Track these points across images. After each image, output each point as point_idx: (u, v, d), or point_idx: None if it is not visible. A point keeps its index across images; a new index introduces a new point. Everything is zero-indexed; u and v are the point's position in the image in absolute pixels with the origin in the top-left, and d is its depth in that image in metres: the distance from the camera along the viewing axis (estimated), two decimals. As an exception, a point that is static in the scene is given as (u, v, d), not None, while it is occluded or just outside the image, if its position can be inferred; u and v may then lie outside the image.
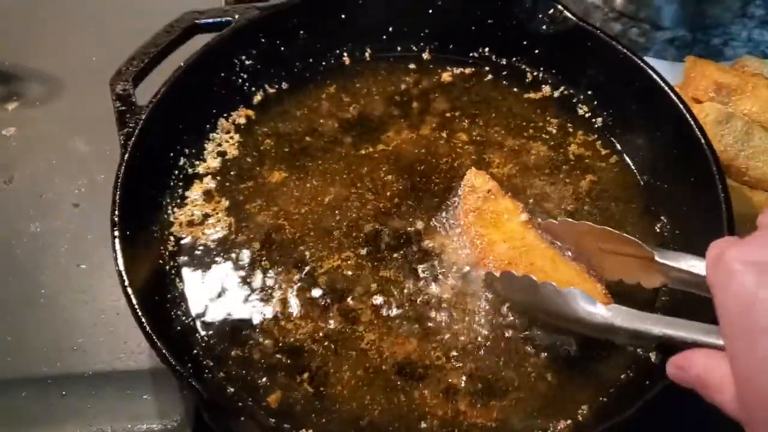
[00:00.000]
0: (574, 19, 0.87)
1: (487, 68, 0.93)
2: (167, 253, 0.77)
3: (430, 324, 0.73)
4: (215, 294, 0.75)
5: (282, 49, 0.91)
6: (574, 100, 0.90)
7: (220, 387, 0.69)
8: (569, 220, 0.74)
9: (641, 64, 0.83)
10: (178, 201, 0.82)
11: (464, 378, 0.70)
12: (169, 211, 0.80)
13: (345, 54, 0.94)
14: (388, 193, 0.83)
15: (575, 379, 0.70)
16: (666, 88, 0.80)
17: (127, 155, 0.75)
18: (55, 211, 0.89)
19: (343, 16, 0.92)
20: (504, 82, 0.93)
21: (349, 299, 0.74)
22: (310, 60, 0.93)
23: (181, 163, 0.84)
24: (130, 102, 0.80)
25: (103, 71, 0.84)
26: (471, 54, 0.94)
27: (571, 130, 0.89)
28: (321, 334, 0.72)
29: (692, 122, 0.78)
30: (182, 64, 0.82)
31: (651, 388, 0.62)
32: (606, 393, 0.68)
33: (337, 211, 0.81)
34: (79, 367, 0.77)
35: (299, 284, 0.76)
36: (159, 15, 0.87)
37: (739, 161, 0.90)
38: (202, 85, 0.85)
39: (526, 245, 0.74)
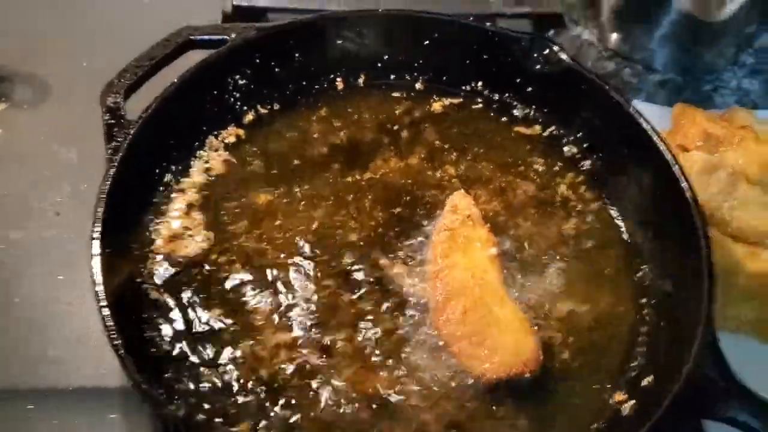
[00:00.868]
0: (569, 60, 0.87)
1: (479, 102, 0.94)
2: (146, 272, 0.76)
3: (406, 360, 0.73)
4: (192, 317, 0.74)
5: (276, 70, 0.90)
6: (563, 141, 0.91)
7: (191, 413, 0.68)
8: None
9: (632, 111, 0.83)
10: (161, 217, 0.81)
11: (435, 418, 0.69)
12: (151, 228, 0.80)
13: (339, 78, 0.94)
14: (372, 223, 0.83)
15: (547, 425, 0.70)
16: (655, 138, 0.81)
17: (112, 170, 0.75)
18: (36, 218, 0.88)
19: (339, 41, 0.92)
20: (495, 118, 0.93)
21: (325, 330, 0.74)
22: (304, 82, 0.93)
23: (167, 179, 0.83)
24: (120, 116, 0.79)
25: (94, 80, 0.83)
26: (464, 87, 0.94)
27: (558, 170, 0.89)
28: (295, 364, 0.72)
29: (679, 173, 0.78)
30: (175, 80, 0.82)
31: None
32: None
33: (320, 239, 0.81)
34: (49, 381, 0.76)
35: (277, 311, 0.75)
36: (155, 28, 0.87)
37: (723, 212, 0.91)
38: (194, 101, 0.85)
39: (483, 278, 0.75)
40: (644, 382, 0.70)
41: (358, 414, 0.69)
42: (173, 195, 0.83)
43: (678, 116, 0.99)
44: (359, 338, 0.74)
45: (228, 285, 0.77)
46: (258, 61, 0.89)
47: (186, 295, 0.76)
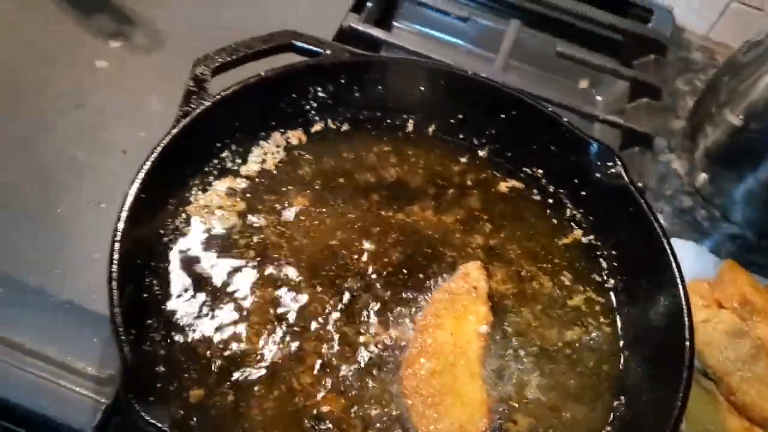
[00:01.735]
0: (626, 180, 0.88)
1: (532, 188, 0.96)
2: (171, 227, 0.83)
3: (365, 392, 0.75)
4: (191, 281, 0.80)
5: (356, 94, 0.96)
6: (597, 252, 0.91)
7: (152, 362, 0.73)
8: None
9: (667, 248, 0.83)
10: (205, 186, 0.87)
11: (364, 456, 0.72)
12: (192, 192, 0.86)
13: (410, 121, 0.98)
14: (386, 259, 0.86)
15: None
16: (678, 281, 0.80)
17: (176, 130, 0.82)
18: (104, 149, 0.96)
19: (422, 88, 0.96)
20: (542, 208, 0.94)
21: (304, 338, 0.78)
22: (378, 113, 0.98)
23: (224, 155, 0.90)
24: (203, 86, 0.86)
25: (204, 49, 0.90)
26: (524, 169, 0.97)
27: (582, 278, 0.89)
28: (265, 357, 0.76)
29: (687, 324, 0.77)
30: (262, 73, 0.89)
31: None
32: None
33: (332, 255, 0.85)
34: (53, 288, 0.83)
35: (270, 303, 0.80)
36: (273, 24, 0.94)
37: (733, 380, 0.89)
38: (272, 97, 0.91)
39: (464, 349, 0.77)
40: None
41: (300, 425, 0.72)
42: (224, 171, 0.89)
43: (724, 271, 0.97)
44: (333, 358, 0.77)
45: (235, 263, 0.82)
46: (342, 81, 0.94)
47: (194, 259, 0.81)
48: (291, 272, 0.83)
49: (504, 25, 1.30)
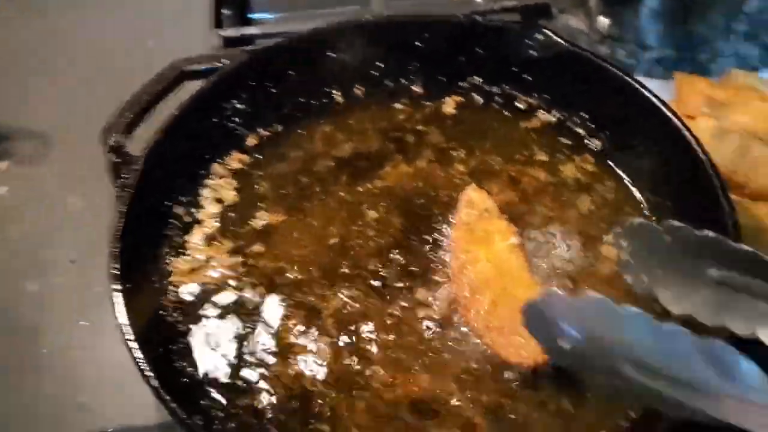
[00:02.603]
0: (565, 43, 0.87)
1: (479, 97, 0.93)
2: (169, 304, 0.76)
3: (441, 358, 0.71)
4: (221, 343, 0.73)
5: (273, 91, 0.90)
6: (569, 124, 0.90)
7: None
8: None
9: (634, 83, 0.82)
10: (178, 249, 0.80)
11: (480, 412, 0.68)
12: (168, 261, 0.79)
13: (336, 92, 0.94)
14: (390, 229, 0.82)
15: (590, 404, 0.68)
16: (661, 106, 0.80)
17: (123, 207, 0.74)
18: (52, 268, 0.87)
19: (331, 54, 0.91)
20: (498, 110, 0.92)
21: (357, 339, 0.73)
22: (302, 100, 0.92)
23: (179, 211, 0.83)
24: (124, 153, 0.79)
25: (93, 124, 0.83)
26: (461, 83, 0.94)
27: (568, 153, 0.88)
28: (332, 379, 0.70)
29: (691, 137, 0.77)
30: (174, 111, 0.82)
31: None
32: (625, 416, 0.66)
33: (339, 251, 0.80)
34: (85, 426, 0.75)
35: (306, 327, 0.74)
36: (146, 65, 0.87)
37: (739, 175, 0.90)
38: (195, 131, 0.85)
39: (508, 268, 0.74)
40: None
41: (401, 418, 0.68)
42: (188, 225, 0.82)
43: (679, 86, 0.98)
44: (394, 342, 0.72)
45: (251, 307, 0.76)
46: (253, 83, 0.88)
47: (210, 323, 0.75)
48: (308, 289, 0.77)
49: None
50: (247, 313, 0.75)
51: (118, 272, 0.70)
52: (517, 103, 0.92)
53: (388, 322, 0.74)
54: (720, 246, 0.61)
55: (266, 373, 0.71)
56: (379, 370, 0.71)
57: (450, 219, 0.82)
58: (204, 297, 0.77)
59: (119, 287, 0.69)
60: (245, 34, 1.10)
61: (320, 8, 1.22)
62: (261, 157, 0.89)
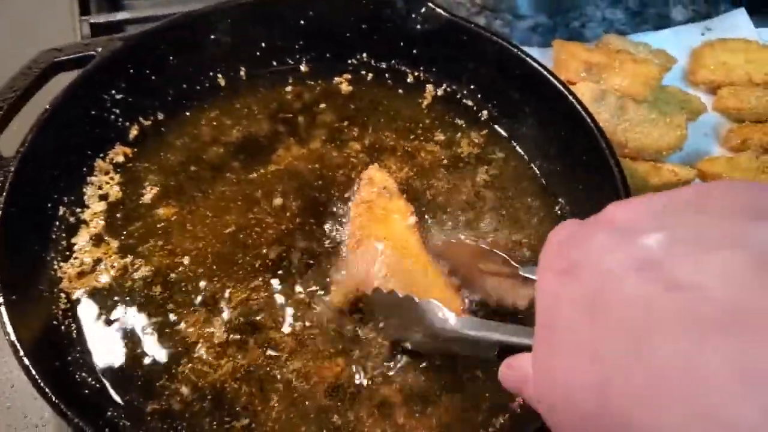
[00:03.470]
0: (447, 15, 0.87)
1: (368, 74, 0.92)
2: (60, 312, 0.71)
3: (353, 340, 0.71)
4: (120, 347, 0.70)
5: (153, 78, 0.86)
6: (458, 96, 0.91)
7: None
8: (445, 239, 0.77)
9: (517, 52, 0.84)
10: (65, 253, 0.75)
11: (396, 390, 0.68)
12: (56, 266, 0.74)
13: (219, 75, 0.90)
14: (288, 214, 0.80)
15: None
16: (545, 73, 0.82)
17: (0, 213, 0.69)
18: None
19: (211, 36, 0.88)
20: (387, 86, 0.92)
21: (265, 330, 0.71)
22: (184, 86, 0.88)
23: (62, 212, 0.77)
24: (-7, 154, 0.73)
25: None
26: (349, 61, 0.93)
27: (459, 126, 0.89)
28: (242, 371, 0.69)
29: (575, 102, 0.79)
30: (47, 106, 0.76)
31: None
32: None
33: (237, 240, 0.77)
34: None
35: (210, 322, 0.72)
36: (13, 59, 0.80)
37: (618, 135, 0.94)
38: (72, 126, 0.79)
39: (405, 248, 0.74)
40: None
41: (318, 405, 0.67)
42: (72, 227, 0.77)
43: (558, 52, 1.01)
44: (303, 329, 0.71)
45: (149, 307, 0.72)
46: (130, 72, 0.83)
47: (107, 327, 0.71)
48: (208, 283, 0.74)
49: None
50: (144, 313, 0.72)
51: (2, 284, 0.65)
52: (406, 78, 0.92)
53: (295, 309, 0.73)
54: None
55: (172, 374, 0.68)
56: (290, 359, 0.70)
57: (349, 198, 0.81)
58: (97, 301, 0.72)
59: (4, 301, 0.64)
60: (115, 20, 1.04)
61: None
62: (146, 148, 0.84)
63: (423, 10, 0.88)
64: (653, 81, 0.95)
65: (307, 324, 0.72)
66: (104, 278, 0.74)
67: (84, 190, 0.80)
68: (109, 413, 0.65)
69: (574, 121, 0.79)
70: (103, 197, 0.80)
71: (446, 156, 0.86)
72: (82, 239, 0.76)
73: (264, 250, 0.77)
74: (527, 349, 0.46)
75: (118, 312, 0.72)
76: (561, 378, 0.38)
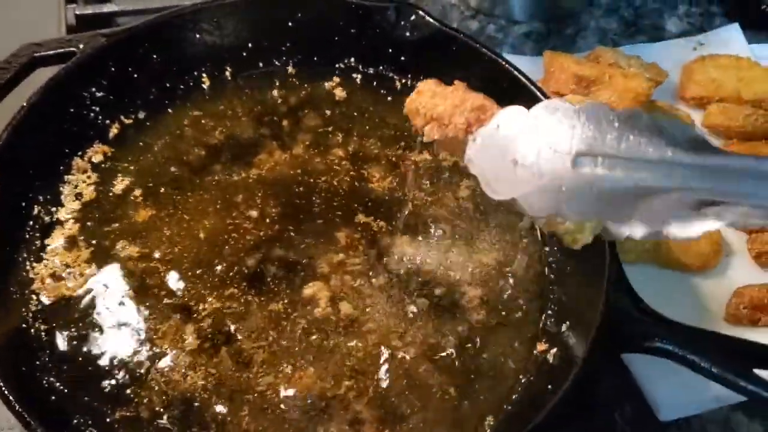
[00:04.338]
0: (436, 23, 0.86)
1: (355, 78, 0.91)
2: (30, 315, 0.70)
3: (326, 354, 0.70)
4: (90, 353, 0.69)
5: (135, 76, 0.84)
6: (443, 104, 0.90)
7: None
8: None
9: (505, 64, 0.83)
10: (38, 254, 0.74)
11: (368, 405, 0.68)
12: (28, 267, 0.73)
13: (204, 75, 0.89)
14: (267, 220, 0.79)
15: (477, 390, 0.69)
16: (532, 87, 0.81)
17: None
18: None
19: (196, 35, 0.86)
20: (374, 92, 0.91)
21: (238, 340, 0.70)
22: (167, 85, 0.87)
23: (36, 212, 0.76)
24: (-32, 151, 0.71)
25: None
26: (337, 65, 0.92)
27: (444, 135, 0.88)
28: (213, 382, 0.68)
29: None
30: (25, 103, 0.75)
31: (555, 392, 0.63)
32: (509, 401, 0.69)
33: (214, 246, 0.77)
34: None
35: (182, 330, 0.71)
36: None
37: (605, 149, 0.93)
38: (50, 123, 0.78)
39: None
40: (563, 329, 0.71)
41: (288, 419, 0.66)
42: (47, 227, 0.76)
43: (548, 64, 1.01)
44: (276, 341, 0.71)
45: (122, 312, 0.72)
46: (113, 69, 0.82)
47: (78, 332, 0.70)
48: (182, 289, 0.73)
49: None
50: (116, 319, 0.71)
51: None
52: (394, 85, 0.91)
53: (269, 319, 0.72)
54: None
55: (141, 382, 0.67)
56: (262, 370, 0.69)
57: (328, 206, 0.80)
58: (69, 304, 0.71)
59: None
60: (103, 12, 1.02)
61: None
62: (125, 147, 0.83)
63: (413, 17, 0.87)
64: (643, 97, 0.95)
65: (281, 336, 0.71)
66: (77, 281, 0.73)
67: (60, 189, 0.79)
68: (76, 420, 0.65)
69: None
70: (80, 196, 0.79)
71: (429, 166, 0.85)
72: (56, 240, 0.75)
73: (241, 257, 0.76)
74: None
75: (90, 316, 0.71)
76: None
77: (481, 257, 0.78)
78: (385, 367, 0.70)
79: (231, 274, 0.75)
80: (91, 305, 0.72)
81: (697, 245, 0.87)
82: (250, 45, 0.89)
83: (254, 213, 0.79)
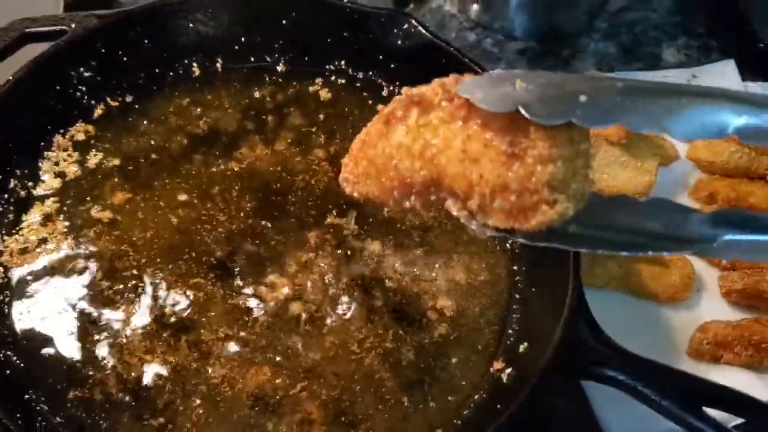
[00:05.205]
0: (428, 34, 0.87)
1: (343, 81, 0.92)
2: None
3: (283, 351, 0.71)
4: (51, 330, 0.70)
5: (125, 59, 0.85)
6: (430, 114, 0.90)
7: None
8: None
9: (493, 81, 0.83)
10: (10, 228, 0.75)
11: (320, 407, 0.68)
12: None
13: (194, 64, 0.89)
14: (242, 214, 0.80)
15: (430, 401, 0.70)
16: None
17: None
18: None
19: (190, 24, 0.87)
20: (361, 97, 0.91)
21: (198, 330, 0.71)
22: (156, 70, 0.88)
23: (12, 185, 0.77)
24: (-50, 120, 0.72)
25: None
26: (327, 66, 0.92)
27: (427, 144, 0.88)
28: (169, 369, 0.69)
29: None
30: (10, 77, 0.75)
31: (502, 412, 0.63)
32: (460, 416, 0.69)
33: (186, 235, 0.77)
34: None
35: (144, 315, 0.72)
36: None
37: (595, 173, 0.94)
38: (34, 99, 0.79)
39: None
40: (521, 349, 0.72)
41: (240, 413, 0.67)
42: (22, 201, 0.77)
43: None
44: (236, 335, 0.71)
45: (87, 292, 0.72)
46: (103, 51, 0.83)
47: (41, 308, 0.71)
48: (149, 275, 0.74)
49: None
50: (81, 297, 0.72)
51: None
52: (381, 92, 0.92)
53: (231, 313, 0.72)
54: None
55: (98, 364, 0.68)
56: (218, 363, 0.69)
57: (305, 205, 0.81)
58: (35, 280, 0.72)
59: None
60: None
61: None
62: (108, 129, 0.84)
63: (405, 26, 0.87)
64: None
65: (241, 329, 0.71)
66: (46, 258, 0.74)
67: (39, 164, 0.79)
68: (28, 396, 0.65)
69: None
70: (59, 175, 0.80)
71: (409, 175, 0.85)
72: (31, 216, 0.76)
73: (212, 248, 0.77)
74: None
75: (54, 293, 0.72)
76: None
77: (449, 270, 0.79)
78: (340, 370, 0.70)
79: (198, 264, 0.75)
80: (56, 283, 0.72)
81: (668, 275, 0.87)
82: (243, 39, 0.90)
83: (229, 205, 0.80)
